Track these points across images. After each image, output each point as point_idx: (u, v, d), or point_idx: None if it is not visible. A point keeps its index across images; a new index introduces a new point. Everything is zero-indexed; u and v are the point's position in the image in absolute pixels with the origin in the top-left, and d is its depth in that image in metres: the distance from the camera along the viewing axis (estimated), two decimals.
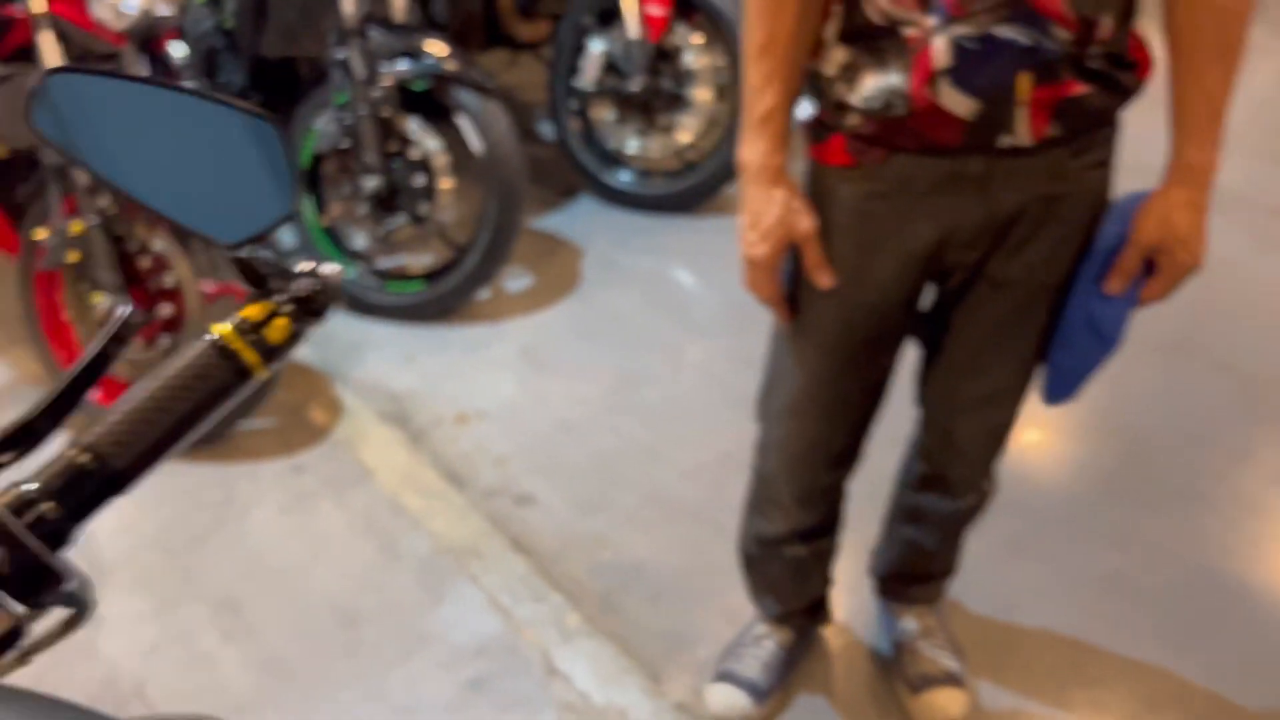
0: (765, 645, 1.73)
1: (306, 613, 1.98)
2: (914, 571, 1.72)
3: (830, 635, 1.86)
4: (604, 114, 3.21)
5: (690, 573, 2.00)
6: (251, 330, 0.60)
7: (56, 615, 0.55)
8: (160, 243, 2.28)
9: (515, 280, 2.97)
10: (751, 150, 1.20)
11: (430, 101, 2.62)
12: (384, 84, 2.53)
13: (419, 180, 2.65)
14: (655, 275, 2.99)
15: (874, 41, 1.09)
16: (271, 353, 0.60)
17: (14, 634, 0.50)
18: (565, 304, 2.86)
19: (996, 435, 1.43)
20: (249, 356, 0.59)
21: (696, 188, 3.14)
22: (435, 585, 2.01)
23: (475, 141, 2.56)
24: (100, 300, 2.30)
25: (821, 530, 1.58)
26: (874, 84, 1.10)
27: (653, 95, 3.10)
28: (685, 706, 1.75)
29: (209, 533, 2.16)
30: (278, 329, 0.61)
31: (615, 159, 3.26)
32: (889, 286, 1.24)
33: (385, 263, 2.84)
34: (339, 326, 2.78)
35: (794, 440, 1.44)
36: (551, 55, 3.27)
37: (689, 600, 1.95)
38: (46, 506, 0.53)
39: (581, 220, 3.28)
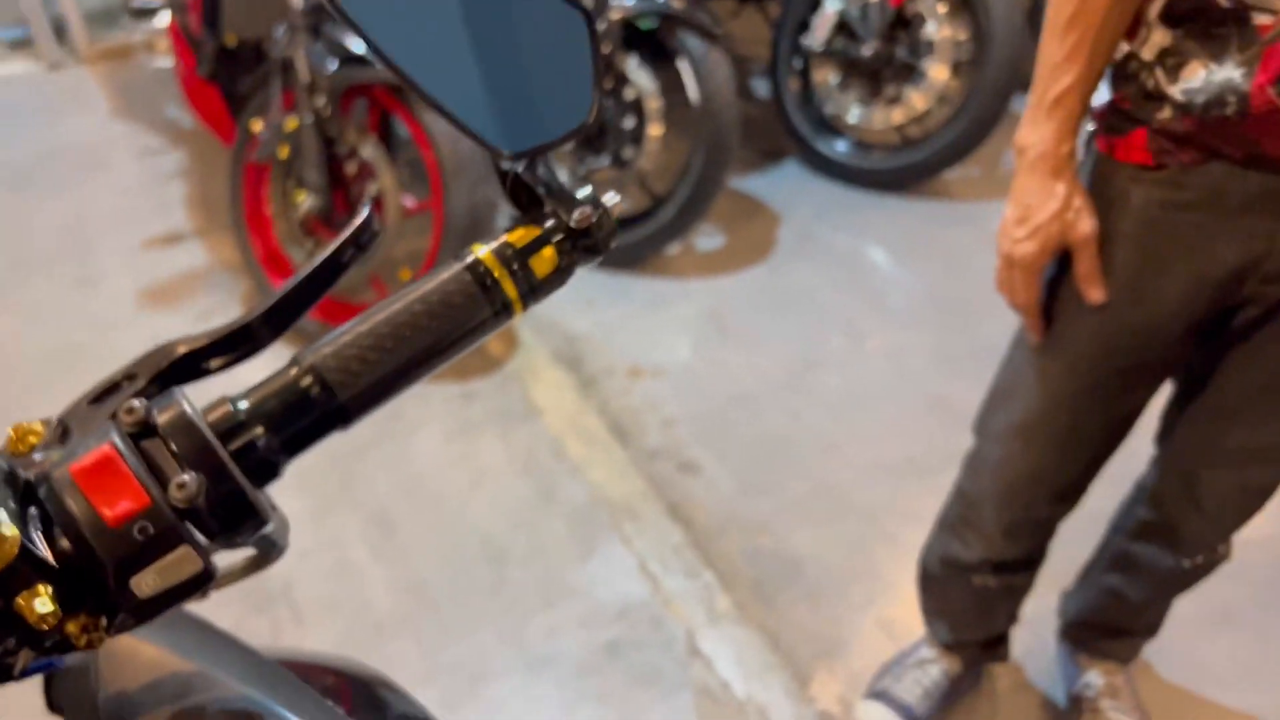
0: (929, 670, 1.59)
1: (457, 543, 1.95)
2: (1111, 624, 1.55)
3: (1001, 672, 1.70)
4: (827, 77, 3.05)
5: (853, 577, 1.87)
6: (516, 258, 0.51)
7: (243, 552, 0.49)
8: (369, 149, 2.28)
9: (707, 239, 2.86)
10: (1035, 133, 1.04)
11: (653, 42, 2.52)
12: (611, 17, 2.44)
13: (628, 122, 2.57)
14: (854, 254, 2.83)
15: (1210, 26, 0.92)
16: (535, 288, 0.52)
17: (203, 577, 0.43)
18: (755, 271, 2.74)
19: (1254, 497, 1.24)
20: (509, 289, 0.51)
21: (914, 167, 2.94)
22: (586, 538, 1.95)
23: (692, 89, 2.45)
24: (303, 199, 2.31)
25: (1021, 565, 1.42)
26: (1202, 76, 0.93)
27: (884, 63, 2.92)
28: (830, 716, 1.63)
29: (372, 446, 2.16)
30: (545, 261, 0.52)
31: (831, 126, 3.10)
32: (1169, 312, 1.07)
33: None
34: None
35: (1015, 465, 1.28)
36: (779, 9, 3.11)
37: (848, 605, 1.82)
38: (257, 432, 0.46)
39: (784, 186, 3.13)
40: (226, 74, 2.63)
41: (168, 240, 2.93)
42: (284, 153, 2.32)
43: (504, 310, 0.51)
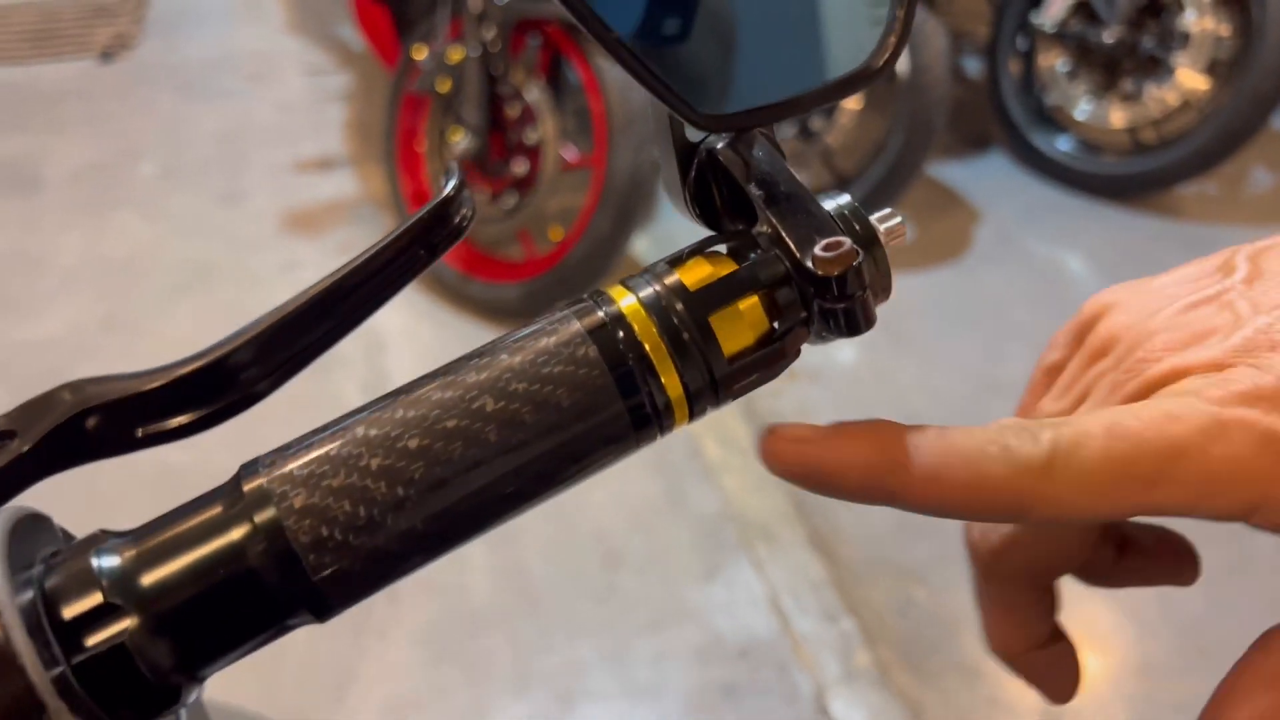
0: None
1: (571, 537, 1.77)
2: None
3: None
4: (1055, 62, 2.69)
5: None
6: (690, 318, 0.27)
7: None
8: (535, 92, 2.09)
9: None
10: None
11: None
12: None
13: None
14: (1058, 268, 2.49)
15: None
16: (718, 381, 0.28)
17: None
18: (942, 273, 2.44)
19: None
20: (669, 379, 0.27)
21: (1144, 176, 2.57)
22: (711, 554, 1.73)
23: (902, 59, 2.16)
24: (458, 139, 2.15)
25: None
26: None
27: (1125, 53, 2.54)
28: None
29: None
30: (744, 326, 0.28)
31: (1052, 119, 2.74)
32: None
33: None
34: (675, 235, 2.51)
35: None
36: None
37: (1009, 686, 1.55)
38: (128, 626, 0.24)
39: (987, 179, 2.80)
40: None
41: (319, 164, 2.83)
42: (444, 86, 2.16)
43: (653, 420, 0.27)
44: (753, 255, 0.28)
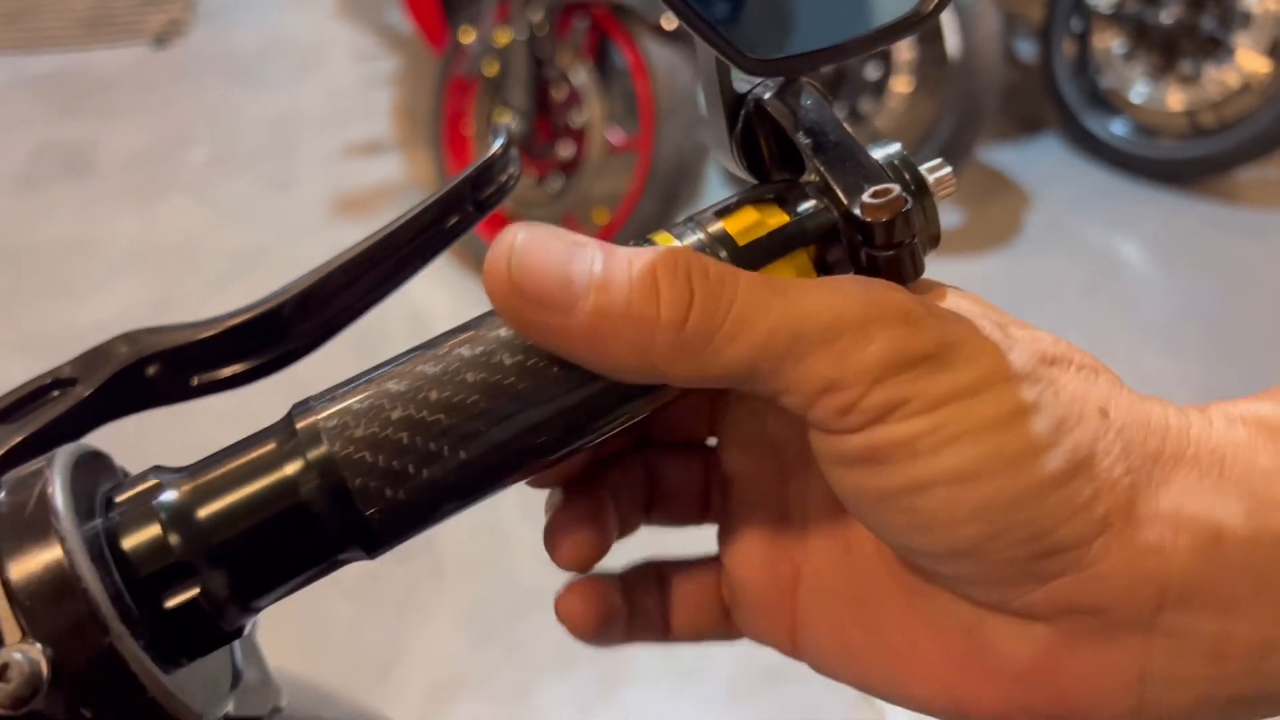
0: None
1: None
2: None
3: None
4: (1111, 44, 2.63)
5: None
6: (735, 262, 0.27)
7: None
8: (581, 75, 2.08)
9: (942, 214, 2.49)
10: None
11: None
12: None
13: (873, 73, 2.27)
14: (1112, 254, 2.43)
15: None
16: None
17: None
18: (992, 259, 2.40)
19: None
20: None
21: (1202, 161, 2.50)
22: None
23: (953, 41, 2.13)
24: (504, 122, 2.15)
25: None
26: None
27: (1184, 33, 2.48)
28: None
29: None
30: (791, 273, 0.28)
31: (1107, 101, 2.68)
32: None
33: None
34: None
35: None
36: None
37: None
38: (188, 558, 0.25)
39: (1039, 163, 2.75)
40: None
41: (368, 149, 2.85)
42: (491, 70, 2.17)
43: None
44: (800, 204, 0.27)
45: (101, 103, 3.18)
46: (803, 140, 0.28)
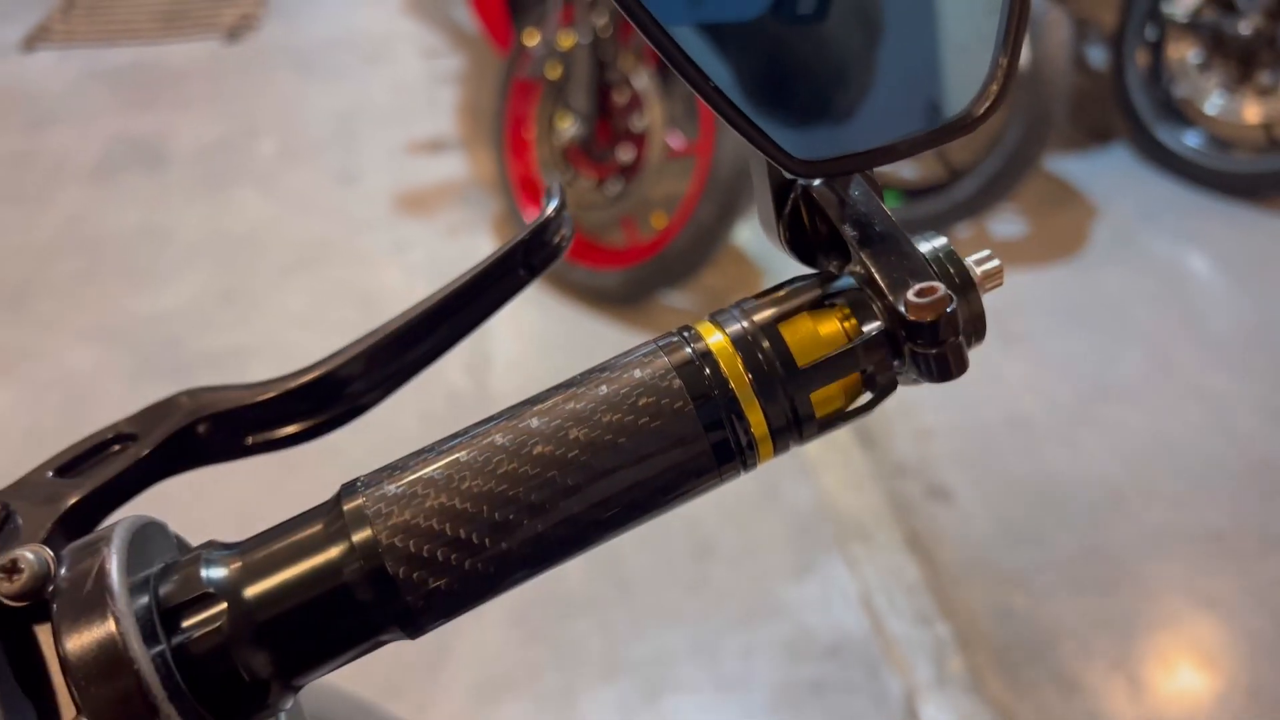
0: None
1: (663, 525, 1.75)
2: None
3: None
4: (1186, 54, 2.56)
5: (1120, 665, 1.54)
6: (777, 356, 0.27)
7: None
8: (643, 80, 2.08)
9: (1006, 224, 2.49)
10: None
11: None
12: None
13: None
14: (1181, 269, 2.37)
15: None
16: (802, 419, 0.28)
17: None
18: (1057, 271, 2.35)
19: None
20: (754, 416, 0.27)
21: (1278, 176, 2.43)
22: (805, 550, 1.72)
23: (1023, 49, 2.09)
24: (566, 125, 2.16)
25: None
26: None
27: (1262, 44, 2.41)
28: None
29: None
30: (827, 354, 0.28)
31: (1180, 112, 2.61)
32: None
33: None
34: None
35: None
36: None
37: (1109, 699, 1.50)
38: (235, 635, 0.26)
39: (1107, 174, 2.69)
40: None
41: (432, 146, 2.87)
42: (555, 72, 2.17)
43: (736, 455, 0.27)
44: (843, 295, 0.27)
45: (175, 95, 3.25)
46: (849, 232, 0.28)
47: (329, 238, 2.52)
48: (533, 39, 2.20)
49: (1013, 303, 2.23)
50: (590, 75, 2.10)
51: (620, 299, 2.18)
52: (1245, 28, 2.40)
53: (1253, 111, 2.49)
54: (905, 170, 2.48)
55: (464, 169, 2.76)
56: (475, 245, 2.43)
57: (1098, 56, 2.91)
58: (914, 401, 1.98)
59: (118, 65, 3.45)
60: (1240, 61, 2.49)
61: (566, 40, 2.11)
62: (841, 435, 1.92)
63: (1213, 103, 2.55)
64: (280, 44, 3.56)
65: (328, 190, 2.72)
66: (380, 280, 2.37)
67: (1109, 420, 1.96)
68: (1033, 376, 2.06)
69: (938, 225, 2.31)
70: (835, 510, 1.79)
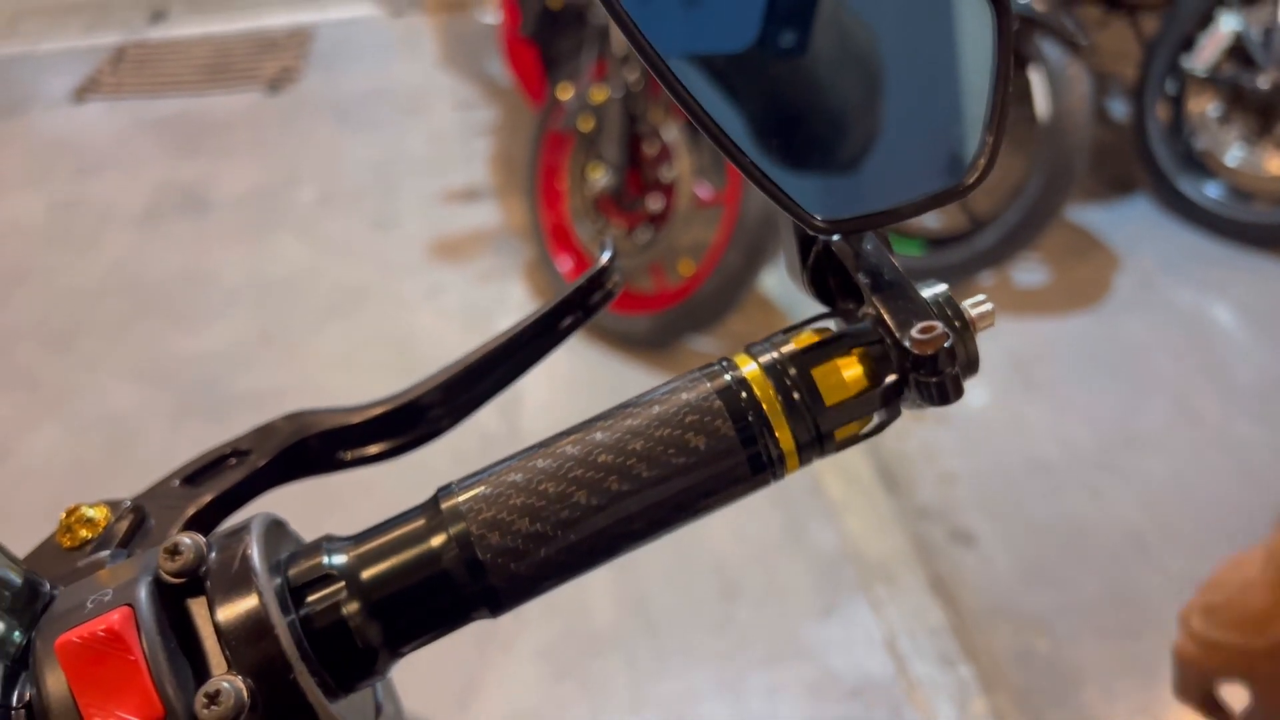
0: None
1: (690, 565, 1.80)
2: None
3: None
4: (1206, 107, 2.60)
5: (1143, 710, 1.55)
6: (802, 383, 0.32)
7: None
8: (672, 132, 2.15)
9: (1028, 273, 2.53)
10: None
11: None
12: None
13: None
14: (1203, 318, 2.40)
15: None
16: (824, 437, 0.33)
17: None
18: (1079, 319, 2.38)
19: None
20: (783, 434, 0.32)
21: None
22: (829, 592, 1.74)
23: (1043, 102, 2.14)
24: (598, 175, 2.23)
25: None
26: None
27: None
28: None
29: None
30: (849, 394, 0.33)
31: (1201, 164, 2.65)
32: None
33: None
34: None
35: None
36: (1160, 22, 2.69)
37: None
38: (352, 610, 0.31)
39: (1129, 224, 2.72)
40: (546, 35, 2.58)
41: (466, 195, 2.95)
42: (587, 125, 2.24)
43: (768, 466, 0.32)
44: (862, 335, 0.32)
45: (218, 144, 3.36)
46: (863, 280, 0.33)
47: (365, 283, 2.59)
48: (566, 93, 2.28)
49: (1036, 351, 2.26)
50: (622, 128, 2.16)
51: (649, 344, 2.23)
52: (1264, 82, 2.44)
53: (1273, 163, 2.53)
54: (929, 220, 2.52)
55: (497, 217, 2.83)
56: (507, 291, 2.49)
57: (1119, 109, 2.96)
58: (937, 446, 2.00)
59: (164, 115, 3.57)
60: (1260, 114, 2.53)
61: (599, 95, 2.18)
62: (866, 478, 1.95)
63: (1233, 155, 2.59)
64: (320, 95, 3.67)
65: (364, 237, 2.80)
66: (414, 324, 2.44)
67: (1131, 467, 1.98)
68: (1055, 423, 2.08)
69: (961, 274, 2.35)
70: (860, 553, 1.81)
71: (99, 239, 2.85)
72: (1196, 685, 0.70)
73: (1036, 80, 2.16)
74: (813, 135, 0.31)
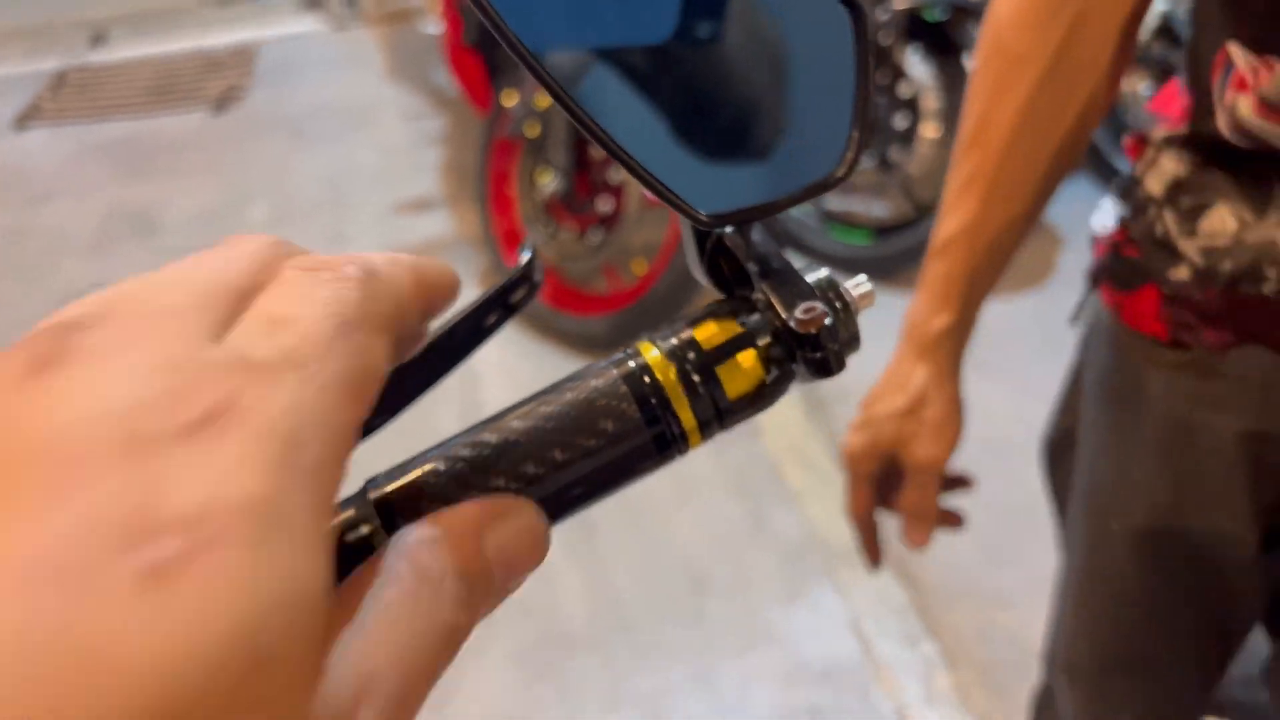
0: None
1: (658, 561, 1.82)
2: None
3: None
4: (1136, 86, 2.68)
5: None
6: (700, 367, 0.34)
7: None
8: None
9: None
10: (918, 293, 0.78)
11: (938, 35, 2.27)
12: (895, 6, 2.21)
13: (901, 122, 2.33)
14: None
15: (1242, 163, 0.63)
16: (722, 413, 0.34)
17: None
18: (1030, 298, 2.44)
19: None
20: (684, 413, 0.34)
21: None
22: (795, 579, 1.77)
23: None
24: (546, 181, 2.24)
25: None
26: (1231, 230, 0.64)
27: None
28: None
29: None
30: (742, 374, 0.35)
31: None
32: (1216, 547, 0.74)
33: (835, 204, 2.57)
34: None
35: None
36: None
37: None
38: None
39: (1071, 205, 2.74)
40: (489, 43, 2.59)
41: (418, 205, 2.96)
42: (534, 131, 2.26)
43: (673, 443, 0.34)
44: (753, 319, 0.35)
45: (166, 165, 3.34)
46: (752, 268, 0.36)
47: None
48: (511, 99, 2.29)
49: (987, 334, 2.30)
50: (568, 132, 2.18)
51: (606, 344, 2.26)
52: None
53: None
54: (876, 209, 2.57)
55: (449, 226, 2.84)
56: (461, 298, 2.50)
57: None
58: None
59: (109, 140, 3.54)
60: None
61: (544, 100, 2.20)
62: (826, 465, 1.99)
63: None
64: (267, 112, 3.66)
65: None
66: None
67: None
68: (1007, 402, 2.13)
69: (909, 261, 2.40)
70: (822, 538, 1.85)
71: (50, 267, 2.83)
72: (863, 491, 0.85)
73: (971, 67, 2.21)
74: (693, 133, 0.34)
